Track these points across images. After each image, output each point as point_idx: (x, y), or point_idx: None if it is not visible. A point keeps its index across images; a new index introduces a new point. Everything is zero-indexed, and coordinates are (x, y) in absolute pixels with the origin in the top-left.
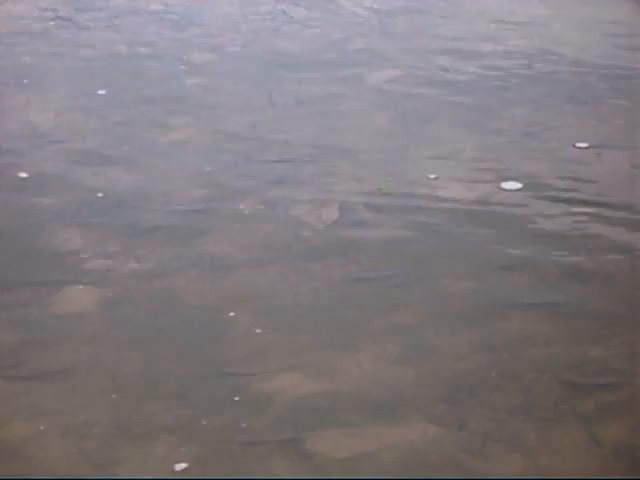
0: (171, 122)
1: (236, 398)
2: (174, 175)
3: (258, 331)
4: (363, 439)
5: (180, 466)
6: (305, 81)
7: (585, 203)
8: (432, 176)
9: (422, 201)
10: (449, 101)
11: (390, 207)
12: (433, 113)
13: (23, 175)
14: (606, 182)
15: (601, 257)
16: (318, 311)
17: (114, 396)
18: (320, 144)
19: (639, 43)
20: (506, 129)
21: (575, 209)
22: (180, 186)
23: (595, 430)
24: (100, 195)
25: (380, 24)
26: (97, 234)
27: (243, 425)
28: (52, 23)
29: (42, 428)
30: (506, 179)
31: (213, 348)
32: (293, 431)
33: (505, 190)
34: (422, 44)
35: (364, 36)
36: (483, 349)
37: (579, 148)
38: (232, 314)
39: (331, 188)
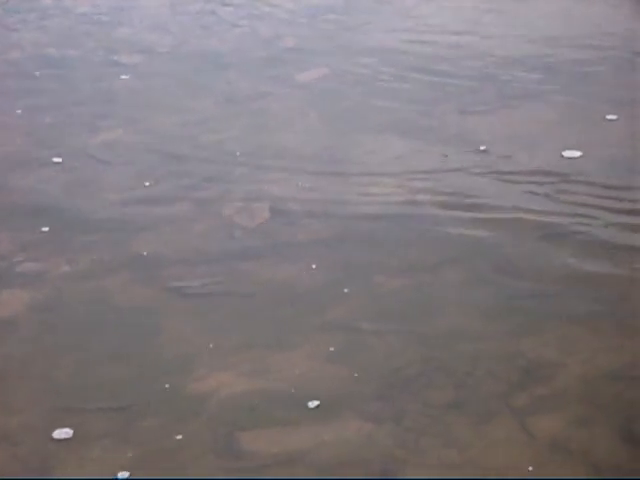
0: (100, 123)
1: (171, 399)
2: (105, 176)
3: (192, 331)
4: (298, 437)
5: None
6: (235, 80)
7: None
8: (364, 173)
9: (353, 198)
10: (377, 99)
11: (321, 205)
12: (362, 111)
13: None
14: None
15: (530, 252)
16: (252, 310)
17: (47, 400)
18: (251, 143)
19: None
20: (435, 127)
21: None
22: (111, 187)
23: (529, 423)
24: (30, 198)
25: (309, 23)
26: (28, 237)
27: (178, 425)
28: None
29: None
30: (436, 177)
31: (147, 349)
32: (228, 430)
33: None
34: (351, 42)
35: (293, 35)
36: (416, 345)
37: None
38: (166, 315)
39: (263, 187)
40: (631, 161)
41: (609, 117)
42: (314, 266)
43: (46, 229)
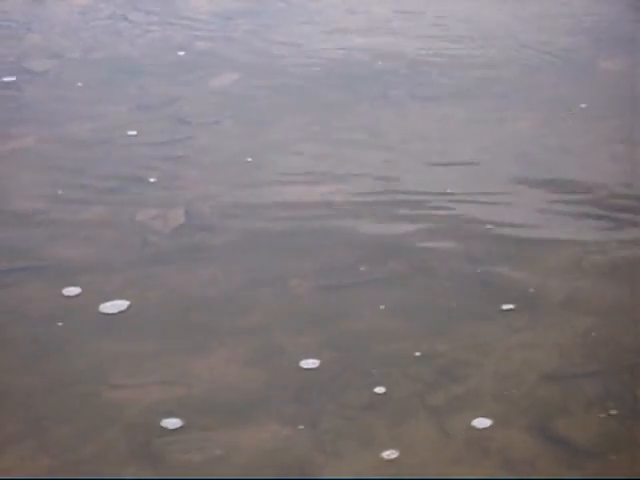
0: (10, 131)
1: (86, 407)
2: (15, 184)
3: (106, 339)
4: (215, 443)
5: None
6: (147, 85)
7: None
8: (278, 178)
9: (268, 202)
10: (292, 101)
11: (237, 210)
12: (276, 114)
13: None
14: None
15: (446, 251)
16: (166, 316)
17: None
18: (164, 148)
19: None
20: (350, 126)
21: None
22: (21, 195)
23: (445, 422)
24: None
25: (220, 27)
26: None
27: (95, 434)
28: None
29: None
30: (348, 179)
31: (61, 358)
32: (145, 438)
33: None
34: (262, 46)
35: (205, 39)
36: (332, 347)
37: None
38: (79, 323)
39: (177, 192)
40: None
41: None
42: (229, 269)
43: None
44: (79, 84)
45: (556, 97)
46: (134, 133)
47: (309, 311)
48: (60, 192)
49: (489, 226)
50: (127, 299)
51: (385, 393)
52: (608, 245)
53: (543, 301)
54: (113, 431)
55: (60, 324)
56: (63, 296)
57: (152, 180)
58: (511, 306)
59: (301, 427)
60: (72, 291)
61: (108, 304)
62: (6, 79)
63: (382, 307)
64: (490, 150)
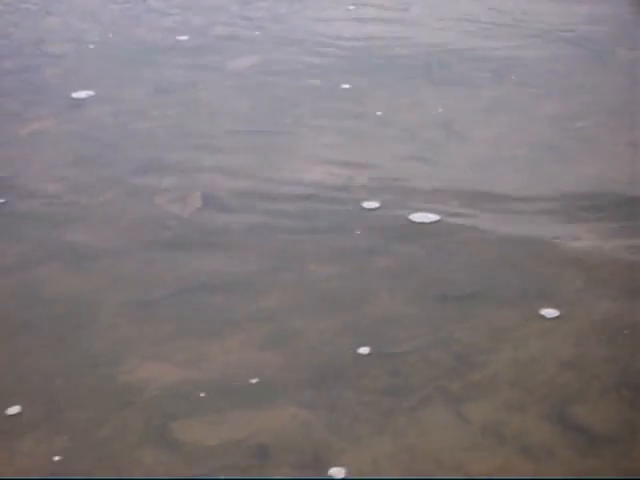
0: (29, 113)
1: (102, 390)
2: (34, 166)
3: (124, 322)
4: (232, 426)
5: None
6: (165, 68)
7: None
8: (296, 162)
9: (286, 186)
10: (309, 87)
11: (254, 194)
12: (294, 99)
13: None
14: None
15: (463, 239)
16: (184, 299)
17: None
18: (183, 132)
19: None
20: (369, 113)
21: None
22: (41, 177)
23: (463, 409)
24: None
25: (240, 11)
26: None
27: (111, 416)
28: None
29: None
30: (369, 166)
31: (79, 340)
32: (161, 420)
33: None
34: (282, 31)
35: (224, 23)
36: (349, 332)
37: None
38: (97, 305)
39: (195, 176)
40: None
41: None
42: (247, 253)
43: None
44: (97, 67)
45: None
46: (152, 116)
47: (327, 296)
48: (78, 173)
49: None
50: (144, 283)
51: (402, 379)
52: (625, 231)
53: (558, 286)
54: (129, 414)
55: (78, 307)
56: (80, 279)
57: (170, 163)
58: (530, 293)
59: (319, 411)
60: (90, 274)
61: (125, 287)
62: (25, 62)
63: (398, 294)
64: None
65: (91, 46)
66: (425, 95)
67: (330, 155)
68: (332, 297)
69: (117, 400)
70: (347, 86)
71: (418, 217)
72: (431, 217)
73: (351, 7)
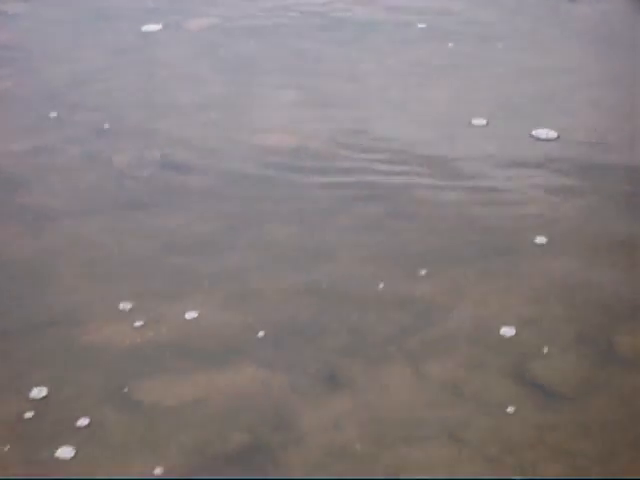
0: None
1: (62, 351)
2: None
3: (83, 282)
4: (192, 386)
5: None
6: (122, 30)
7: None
8: (256, 123)
9: (245, 147)
10: (269, 47)
11: (212, 153)
12: (252, 61)
13: None
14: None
15: (421, 197)
16: (143, 260)
17: None
18: (141, 93)
19: None
20: (329, 72)
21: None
22: None
23: (421, 366)
24: None
25: None
26: None
27: (71, 377)
28: None
29: None
30: (328, 126)
31: (37, 302)
32: (121, 381)
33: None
34: None
35: None
36: (309, 292)
37: None
38: (56, 266)
39: (154, 136)
40: None
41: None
42: (205, 214)
43: None
44: (53, 27)
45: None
46: (110, 77)
47: (286, 255)
48: (36, 135)
49: (461, 164)
50: (103, 243)
51: (362, 337)
52: (584, 188)
53: (519, 247)
54: (89, 375)
55: (37, 268)
56: (40, 240)
57: (128, 124)
58: (489, 251)
59: (278, 371)
60: (49, 236)
61: (84, 248)
62: None
63: (360, 251)
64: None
65: (46, 5)
66: (384, 54)
67: (290, 116)
68: (291, 256)
69: (76, 361)
70: (308, 46)
71: (378, 178)
72: (391, 179)
73: None
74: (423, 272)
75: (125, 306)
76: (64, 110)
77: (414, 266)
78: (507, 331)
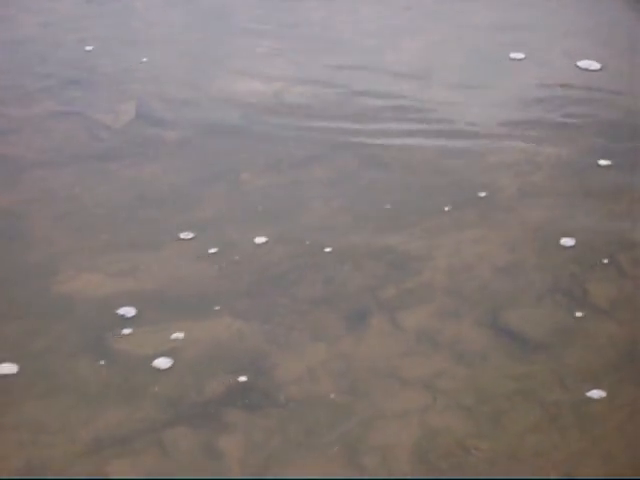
0: None
1: (37, 301)
2: None
3: (57, 233)
4: (167, 336)
5: None
6: None
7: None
8: (230, 73)
9: (219, 97)
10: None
11: (187, 104)
12: (229, 7)
13: None
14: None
15: (398, 147)
16: (117, 211)
17: None
18: (115, 42)
19: None
20: (302, 22)
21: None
22: None
23: (397, 316)
24: None
25: None
26: None
27: (45, 328)
28: None
29: None
30: (299, 75)
31: (12, 253)
32: (96, 331)
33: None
34: None
35: None
36: (284, 242)
37: None
38: (30, 218)
39: (128, 87)
40: None
41: None
42: (180, 164)
43: None
44: None
45: None
46: (83, 27)
47: (261, 206)
48: (7, 86)
49: (439, 122)
50: (77, 195)
51: (337, 287)
52: (558, 139)
53: (493, 195)
54: (64, 325)
55: (11, 220)
56: (12, 192)
57: (102, 75)
58: (464, 201)
59: (254, 320)
60: (23, 187)
61: (58, 199)
62: None
63: (333, 203)
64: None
65: None
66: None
67: (265, 66)
68: (267, 207)
69: (52, 312)
70: None
71: (352, 126)
72: (368, 127)
73: None
74: (396, 223)
75: (99, 257)
76: (36, 60)
77: (386, 218)
78: (482, 281)
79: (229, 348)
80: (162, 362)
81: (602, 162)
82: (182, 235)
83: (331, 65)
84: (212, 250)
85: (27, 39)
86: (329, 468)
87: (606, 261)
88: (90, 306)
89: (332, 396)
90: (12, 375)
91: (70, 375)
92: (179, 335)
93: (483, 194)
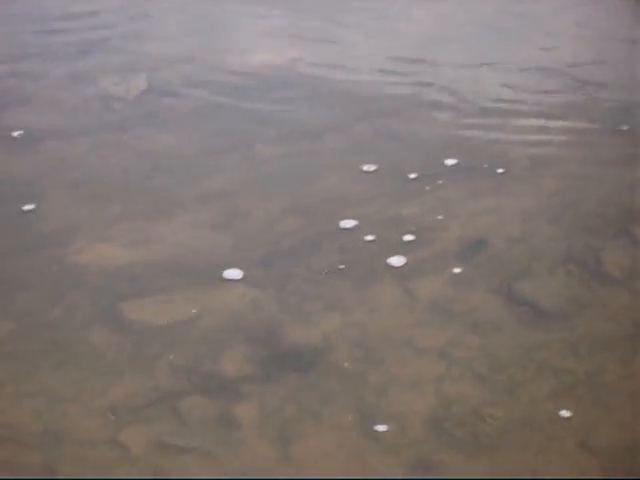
0: None
1: (50, 271)
2: None
3: (70, 203)
4: (182, 306)
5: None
6: None
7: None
8: (240, 42)
9: (231, 67)
10: None
11: (200, 75)
12: None
13: None
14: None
15: (412, 119)
16: (130, 181)
17: None
18: (126, 15)
19: None
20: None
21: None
22: None
23: (410, 285)
24: None
25: None
26: None
27: (59, 298)
28: None
29: None
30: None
31: (25, 223)
32: (111, 301)
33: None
34: None
35: None
36: (297, 212)
37: None
38: (43, 188)
39: (139, 58)
40: None
41: None
42: (192, 134)
43: None
44: None
45: None
46: None
47: (274, 176)
48: (20, 57)
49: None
50: (91, 165)
51: (351, 257)
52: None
53: (508, 164)
54: (78, 295)
55: (23, 190)
56: (26, 162)
57: (113, 46)
58: (479, 171)
59: (268, 290)
60: (37, 158)
61: (72, 169)
62: None
63: (348, 172)
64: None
65: None
66: None
67: (274, 37)
68: (279, 176)
69: (66, 282)
70: None
71: (365, 90)
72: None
73: None
74: (410, 192)
75: (112, 227)
76: (47, 33)
77: (401, 187)
78: (496, 250)
79: (244, 317)
80: (176, 331)
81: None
82: (194, 206)
83: (337, 33)
84: (225, 220)
85: (40, 9)
86: (344, 436)
87: (620, 231)
88: (104, 275)
89: (346, 365)
90: (27, 344)
91: (84, 344)
92: (193, 304)
93: (492, 161)
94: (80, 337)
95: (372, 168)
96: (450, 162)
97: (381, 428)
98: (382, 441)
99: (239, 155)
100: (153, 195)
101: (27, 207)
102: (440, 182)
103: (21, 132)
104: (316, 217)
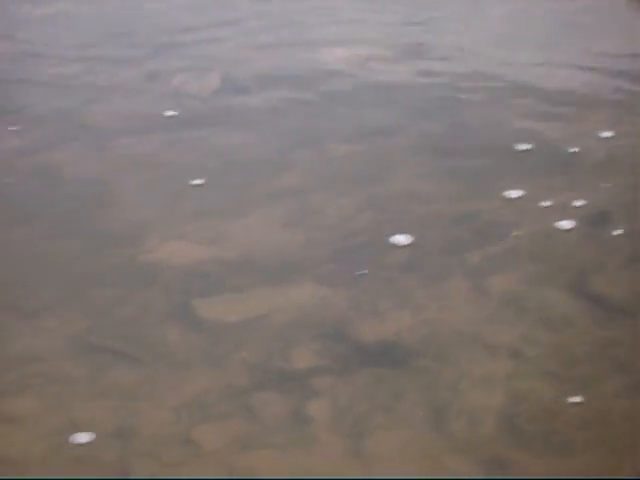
0: None
1: (124, 269)
2: (49, 48)
3: (144, 202)
4: (253, 303)
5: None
6: None
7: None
8: (314, 42)
9: (305, 66)
10: None
11: (273, 73)
12: None
13: None
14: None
15: (484, 115)
16: (205, 178)
17: (1, 274)
18: (199, 12)
19: None
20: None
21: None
22: (56, 59)
23: (482, 282)
24: None
25: None
26: None
27: (133, 295)
28: None
29: None
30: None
31: (99, 221)
32: (183, 298)
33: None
34: None
35: None
36: (369, 209)
37: None
38: (118, 185)
39: (212, 57)
40: None
41: None
42: (265, 132)
43: None
44: None
45: None
46: None
47: (347, 173)
48: (93, 55)
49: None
50: (164, 162)
51: (422, 253)
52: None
53: (581, 161)
54: (151, 292)
55: (97, 189)
56: (100, 161)
57: (187, 44)
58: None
59: (339, 287)
60: (110, 155)
61: (145, 167)
62: None
63: (419, 170)
64: None
65: None
66: None
67: (346, 35)
68: (351, 174)
69: (139, 279)
70: None
71: (435, 91)
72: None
73: None
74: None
75: (187, 224)
76: (121, 31)
77: (471, 185)
78: (567, 246)
79: (314, 314)
80: (248, 328)
81: None
82: (267, 203)
83: (409, 30)
84: (297, 217)
85: (113, 9)
86: (415, 432)
87: None
88: (176, 274)
89: (417, 361)
90: (102, 340)
91: (157, 342)
92: (265, 302)
93: (571, 162)
94: (153, 334)
95: (442, 167)
96: (520, 156)
97: (453, 424)
98: (454, 436)
99: (312, 152)
100: (226, 193)
101: (101, 205)
102: (512, 178)
103: (95, 130)
104: (387, 214)
